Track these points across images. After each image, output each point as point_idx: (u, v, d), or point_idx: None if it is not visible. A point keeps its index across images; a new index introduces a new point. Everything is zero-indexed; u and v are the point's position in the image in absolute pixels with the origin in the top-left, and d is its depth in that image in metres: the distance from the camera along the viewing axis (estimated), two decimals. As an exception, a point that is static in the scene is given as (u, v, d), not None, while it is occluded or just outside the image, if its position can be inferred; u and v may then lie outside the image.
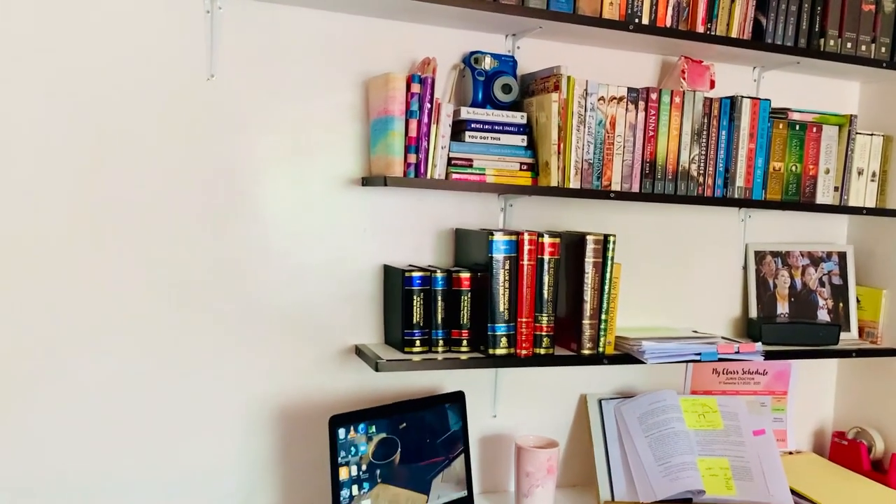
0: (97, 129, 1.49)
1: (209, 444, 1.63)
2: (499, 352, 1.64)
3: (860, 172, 2.01)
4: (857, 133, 1.99)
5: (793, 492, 1.79)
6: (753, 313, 2.04)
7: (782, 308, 2.07)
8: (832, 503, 1.77)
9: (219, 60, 1.57)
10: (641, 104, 1.75)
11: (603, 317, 1.71)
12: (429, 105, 1.59)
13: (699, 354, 1.72)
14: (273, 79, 1.62)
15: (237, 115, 1.60)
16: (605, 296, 1.71)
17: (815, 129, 1.95)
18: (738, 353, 1.76)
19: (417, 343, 1.63)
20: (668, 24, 1.74)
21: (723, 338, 1.84)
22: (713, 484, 1.71)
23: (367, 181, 1.67)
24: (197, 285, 1.59)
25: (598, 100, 1.71)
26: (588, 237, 1.70)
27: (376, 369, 1.55)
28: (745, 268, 2.06)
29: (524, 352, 1.66)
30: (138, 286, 1.55)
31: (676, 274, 2.01)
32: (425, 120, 1.59)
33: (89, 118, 1.49)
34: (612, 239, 1.71)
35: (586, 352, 1.71)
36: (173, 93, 1.54)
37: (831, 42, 1.89)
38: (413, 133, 1.58)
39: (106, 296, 1.52)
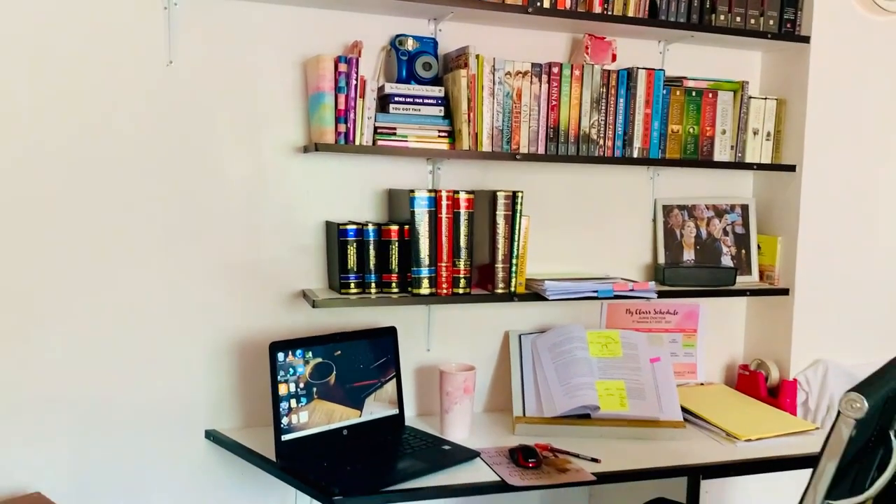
0: (78, 111, 1.80)
1: (181, 372, 1.94)
2: (423, 291, 1.94)
3: (755, 132, 2.26)
4: (750, 97, 2.24)
5: (686, 411, 2.07)
6: (662, 260, 2.31)
7: (689, 255, 2.33)
8: (718, 419, 2.04)
9: (177, 49, 1.86)
10: (545, 77, 2.01)
11: (514, 261, 2.00)
12: (355, 82, 1.87)
13: (596, 291, 2.00)
14: (225, 63, 1.91)
15: (195, 96, 1.89)
16: (516, 244, 1.99)
17: (710, 95, 2.20)
18: (632, 290, 2.03)
19: (352, 286, 1.93)
20: (568, 6, 2.00)
21: (622, 279, 2.11)
22: (608, 401, 1.99)
23: (305, 148, 1.96)
24: (170, 240, 1.90)
25: (506, 74, 1.98)
26: (499, 193, 1.97)
27: (313, 306, 1.85)
28: (654, 220, 2.33)
29: (444, 291, 1.95)
30: (123, 242, 1.86)
31: (592, 227, 2.28)
32: (352, 94, 1.87)
33: (69, 102, 1.79)
34: (520, 195, 1.98)
35: (499, 291, 2.00)
36: (137, 77, 1.84)
37: (721, 17, 2.14)
38: (342, 106, 1.86)
39: (96, 250, 1.84)
